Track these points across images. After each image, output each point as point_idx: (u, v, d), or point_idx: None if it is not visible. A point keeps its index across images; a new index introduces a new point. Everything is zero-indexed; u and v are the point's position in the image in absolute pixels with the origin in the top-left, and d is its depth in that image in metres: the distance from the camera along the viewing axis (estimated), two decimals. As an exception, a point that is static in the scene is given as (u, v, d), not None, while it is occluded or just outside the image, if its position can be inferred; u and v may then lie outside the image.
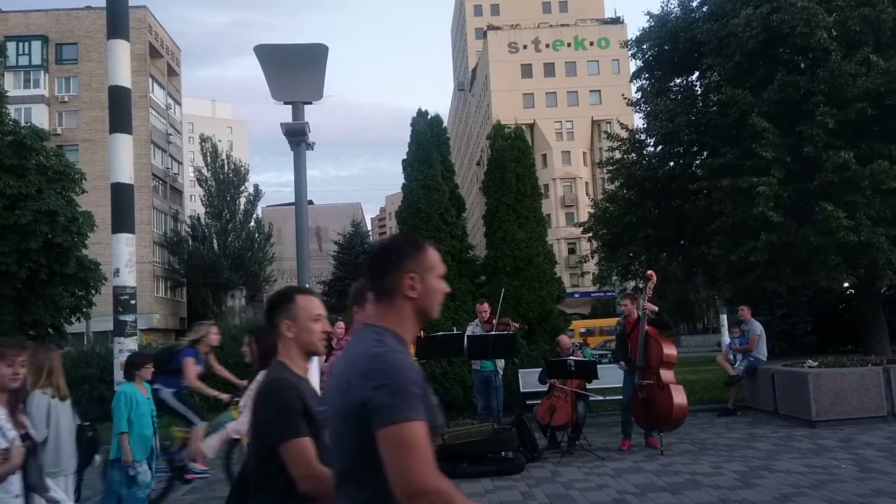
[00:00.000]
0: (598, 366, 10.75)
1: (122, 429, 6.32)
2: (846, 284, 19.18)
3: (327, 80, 7.51)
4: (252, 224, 60.49)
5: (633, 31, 22.55)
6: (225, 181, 59.24)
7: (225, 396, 8.99)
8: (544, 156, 71.70)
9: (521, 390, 12.90)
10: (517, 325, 11.57)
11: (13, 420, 4.29)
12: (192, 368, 8.87)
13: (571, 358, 10.47)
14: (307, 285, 8.77)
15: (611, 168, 21.29)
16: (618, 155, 21.30)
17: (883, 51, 16.13)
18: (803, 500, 7.08)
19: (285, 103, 8.38)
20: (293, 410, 2.75)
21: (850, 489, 7.34)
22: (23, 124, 29.33)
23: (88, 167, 36.70)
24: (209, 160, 59.58)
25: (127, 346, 9.21)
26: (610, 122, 31.43)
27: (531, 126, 69.06)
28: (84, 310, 29.58)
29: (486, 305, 11.43)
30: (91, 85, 54.92)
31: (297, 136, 8.36)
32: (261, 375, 2.91)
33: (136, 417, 6.43)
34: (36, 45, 56.70)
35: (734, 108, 16.67)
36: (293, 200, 7.81)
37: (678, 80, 20.98)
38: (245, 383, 6.08)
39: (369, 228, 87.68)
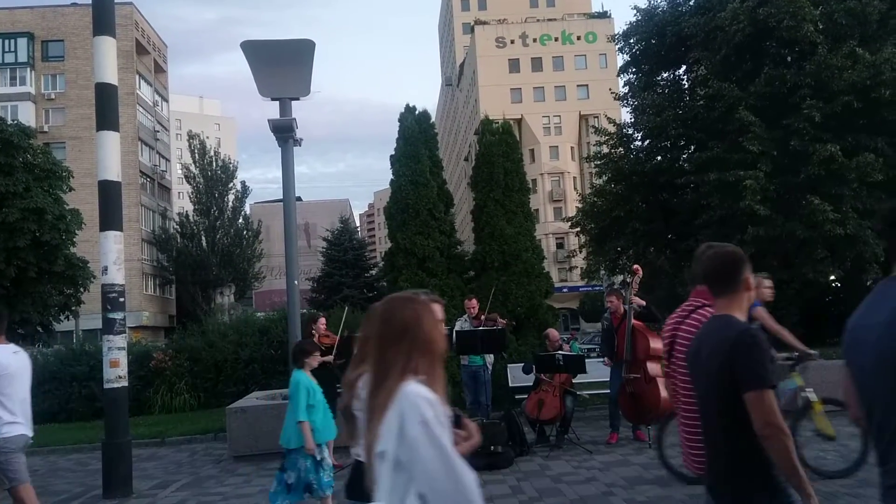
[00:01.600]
0: (585, 360, 10.79)
1: (302, 417, 6.35)
2: (832, 277, 19.30)
3: (314, 76, 7.55)
4: (240, 221, 60.28)
5: (620, 26, 22.63)
6: (213, 178, 59.02)
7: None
8: (532, 151, 71.71)
9: (510, 385, 12.94)
10: (504, 322, 11.58)
11: None
12: (766, 316, 7.62)
13: (560, 352, 10.51)
14: (295, 282, 8.77)
15: (598, 163, 21.36)
16: (605, 149, 21.36)
17: (869, 44, 16.22)
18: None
19: (272, 99, 8.40)
20: (769, 360, 2.89)
21: (837, 480, 7.40)
22: (9, 122, 29.21)
23: (76, 165, 36.55)
24: (197, 157, 59.34)
25: (116, 343, 9.21)
26: (597, 117, 31.54)
27: (519, 121, 69.09)
28: (73, 308, 29.49)
29: (474, 301, 11.44)
30: (78, 82, 54.64)
31: (284, 132, 8.37)
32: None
33: (315, 404, 6.49)
34: (22, 42, 56.35)
35: (721, 102, 16.73)
36: (281, 197, 7.83)
37: (665, 75, 21.06)
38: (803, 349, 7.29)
39: (357, 224, 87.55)
